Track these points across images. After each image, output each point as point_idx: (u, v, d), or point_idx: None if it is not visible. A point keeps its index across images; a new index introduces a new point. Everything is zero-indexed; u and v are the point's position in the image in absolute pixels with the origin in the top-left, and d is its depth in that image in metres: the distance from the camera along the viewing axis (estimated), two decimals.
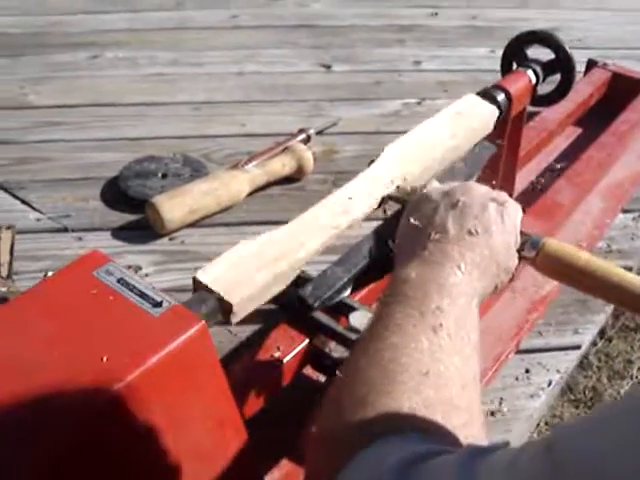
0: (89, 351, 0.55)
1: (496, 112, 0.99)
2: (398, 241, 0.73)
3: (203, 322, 0.56)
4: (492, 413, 1.05)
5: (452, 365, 0.56)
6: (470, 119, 0.95)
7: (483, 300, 0.68)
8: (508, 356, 1.08)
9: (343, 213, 0.79)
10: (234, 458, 0.63)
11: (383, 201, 0.84)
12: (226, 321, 0.64)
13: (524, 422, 1.05)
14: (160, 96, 1.81)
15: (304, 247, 0.73)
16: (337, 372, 0.58)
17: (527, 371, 1.12)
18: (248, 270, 0.68)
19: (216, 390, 0.60)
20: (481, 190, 0.73)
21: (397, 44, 2.13)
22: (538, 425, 1.16)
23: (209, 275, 0.66)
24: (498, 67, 1.85)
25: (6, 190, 1.45)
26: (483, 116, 0.97)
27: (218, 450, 0.62)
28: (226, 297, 0.64)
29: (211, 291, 0.64)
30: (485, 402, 1.06)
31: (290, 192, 1.47)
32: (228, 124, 1.69)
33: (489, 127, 0.98)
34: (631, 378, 1.38)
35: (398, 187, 0.84)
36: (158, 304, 0.58)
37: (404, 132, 1.61)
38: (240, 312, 0.65)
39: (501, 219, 0.70)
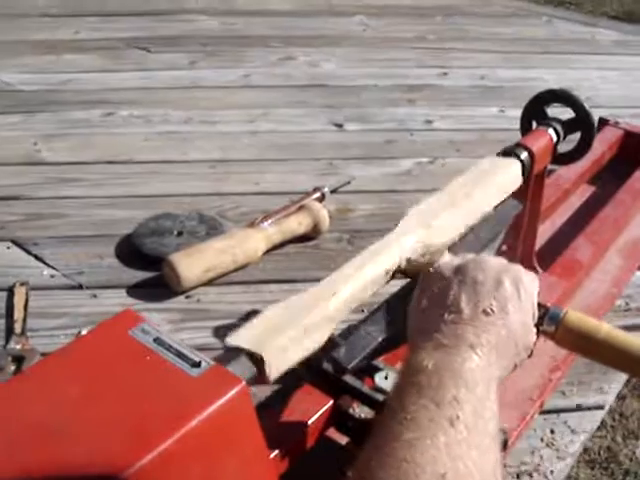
0: (126, 413, 0.53)
1: (520, 170, 0.99)
2: (410, 321, 0.71)
3: (243, 383, 0.55)
4: (518, 475, 1.03)
5: (470, 460, 0.53)
6: (496, 177, 0.95)
7: (502, 380, 0.65)
8: (533, 416, 1.07)
9: (368, 269, 0.78)
10: None
11: (394, 275, 0.82)
12: (262, 379, 0.62)
13: None
14: (174, 154, 1.82)
15: (335, 296, 0.71)
16: (348, 473, 0.55)
17: (552, 432, 1.10)
18: (277, 324, 0.67)
19: (255, 452, 0.58)
20: (495, 264, 0.72)
21: (408, 103, 2.15)
22: None
23: (237, 337, 0.65)
24: (508, 126, 1.87)
25: (19, 245, 1.45)
26: (508, 174, 0.97)
27: None
28: (256, 350, 0.63)
29: (241, 349, 0.63)
30: (511, 464, 1.04)
31: (306, 250, 1.46)
32: (242, 182, 1.70)
33: (514, 185, 0.98)
34: None
35: (409, 260, 0.81)
36: (196, 364, 0.57)
37: (417, 191, 1.63)
38: (273, 364, 0.63)
39: (517, 295, 0.69)
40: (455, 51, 2.58)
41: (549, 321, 0.71)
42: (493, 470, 0.55)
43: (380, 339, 0.75)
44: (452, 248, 0.85)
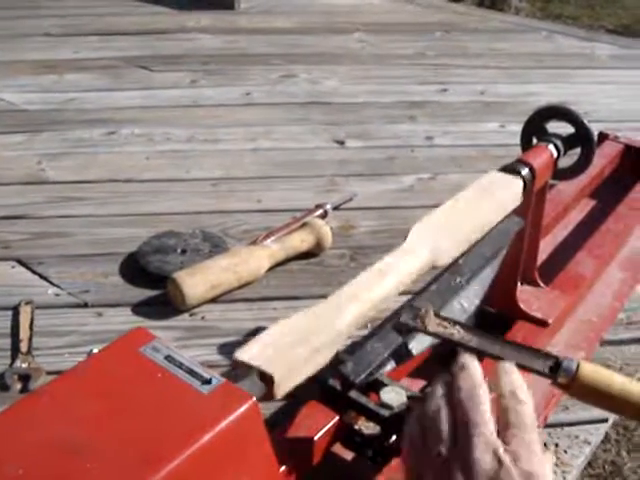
0: (138, 430, 0.54)
1: (521, 186, 1.00)
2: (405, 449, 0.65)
3: (254, 399, 0.56)
4: None
5: None
6: (497, 194, 0.95)
7: None
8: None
9: (376, 288, 0.79)
10: None
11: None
12: (270, 396, 0.63)
13: None
14: (177, 172, 1.83)
15: (344, 314, 0.72)
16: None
17: (557, 445, 1.10)
18: (287, 341, 0.67)
19: (266, 468, 0.59)
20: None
21: (409, 120, 2.16)
22: None
23: (246, 354, 0.65)
24: (509, 141, 1.88)
25: (24, 265, 1.45)
26: (509, 191, 0.98)
27: None
28: (266, 369, 0.63)
29: (250, 367, 0.64)
30: None
31: (309, 267, 1.47)
32: (245, 200, 1.71)
33: (515, 202, 0.99)
34: None
35: (414, 278, 0.82)
36: (207, 381, 0.57)
37: (419, 207, 1.64)
38: (282, 382, 0.64)
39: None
40: (454, 67, 2.60)
41: (563, 373, 0.72)
42: None
43: (386, 354, 0.75)
44: (455, 265, 0.86)
